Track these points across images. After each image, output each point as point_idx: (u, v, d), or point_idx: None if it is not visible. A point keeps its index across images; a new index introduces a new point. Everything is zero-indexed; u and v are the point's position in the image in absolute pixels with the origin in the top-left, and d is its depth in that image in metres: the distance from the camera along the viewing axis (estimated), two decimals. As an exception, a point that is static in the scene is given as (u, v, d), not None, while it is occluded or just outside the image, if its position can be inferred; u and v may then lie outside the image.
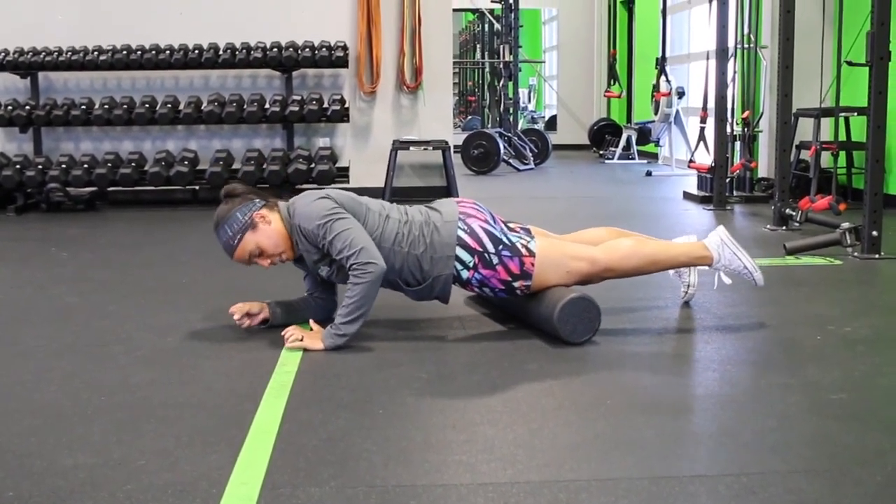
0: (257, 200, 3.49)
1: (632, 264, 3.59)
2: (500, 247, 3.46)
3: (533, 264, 3.47)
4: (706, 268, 3.75)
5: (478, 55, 18.63)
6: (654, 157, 12.53)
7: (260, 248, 3.43)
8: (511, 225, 3.60)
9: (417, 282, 3.51)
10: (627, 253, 3.58)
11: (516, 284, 3.48)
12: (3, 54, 7.87)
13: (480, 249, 3.45)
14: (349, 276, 3.34)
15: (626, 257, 3.57)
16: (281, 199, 3.58)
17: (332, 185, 7.26)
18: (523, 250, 3.48)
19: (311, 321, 3.55)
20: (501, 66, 12.60)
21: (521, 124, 14.14)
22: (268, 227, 3.45)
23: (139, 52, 7.89)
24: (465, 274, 3.47)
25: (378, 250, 3.36)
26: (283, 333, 3.39)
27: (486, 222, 3.52)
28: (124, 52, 7.88)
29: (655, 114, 11.20)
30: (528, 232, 3.59)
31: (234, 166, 7.83)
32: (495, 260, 3.45)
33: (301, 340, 3.33)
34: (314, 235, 3.38)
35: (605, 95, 14.54)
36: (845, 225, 5.24)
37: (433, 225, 3.49)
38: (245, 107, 7.85)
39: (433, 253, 3.45)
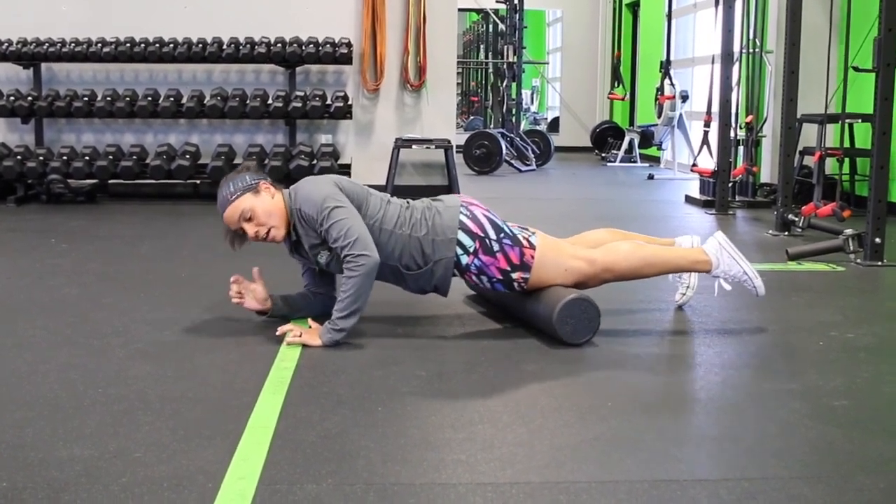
0: (267, 177, 3.53)
1: (629, 266, 3.58)
2: (502, 234, 3.47)
3: (533, 256, 3.46)
4: (705, 274, 3.73)
5: (481, 55, 18.63)
6: (657, 160, 12.51)
7: (252, 212, 3.39)
8: (510, 223, 3.59)
9: (418, 266, 3.48)
10: (625, 255, 3.58)
11: (514, 276, 3.47)
12: (6, 45, 7.85)
13: (482, 235, 3.45)
14: (343, 267, 3.33)
15: (623, 259, 3.57)
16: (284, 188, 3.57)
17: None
18: (524, 241, 3.48)
19: (309, 319, 3.54)
20: (505, 66, 12.58)
21: (524, 125, 14.12)
22: (269, 198, 3.44)
23: (143, 45, 7.87)
24: (464, 259, 3.46)
25: (374, 242, 3.36)
26: (279, 331, 3.37)
27: (488, 211, 3.55)
28: (128, 45, 7.86)
29: (659, 117, 11.18)
30: (527, 229, 3.58)
31: (235, 161, 7.81)
32: (496, 247, 3.45)
33: (300, 337, 3.32)
34: (313, 220, 3.37)
35: (608, 98, 14.55)
36: (848, 231, 5.22)
37: (435, 209, 3.51)
38: (248, 102, 7.84)
39: (435, 236, 3.45)
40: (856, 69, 5.85)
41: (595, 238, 3.78)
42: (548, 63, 18.52)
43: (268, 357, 3.17)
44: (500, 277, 3.48)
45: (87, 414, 2.64)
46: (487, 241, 3.45)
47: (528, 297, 3.56)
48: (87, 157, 7.64)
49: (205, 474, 2.21)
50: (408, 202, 3.58)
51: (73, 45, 7.89)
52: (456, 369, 3.14)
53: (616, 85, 13.97)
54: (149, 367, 3.10)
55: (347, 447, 2.39)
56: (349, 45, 8.01)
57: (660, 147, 12.02)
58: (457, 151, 8.72)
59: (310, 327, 3.42)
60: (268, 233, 3.43)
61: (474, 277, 3.52)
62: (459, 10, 9.93)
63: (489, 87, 16.85)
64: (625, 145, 12.57)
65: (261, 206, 3.41)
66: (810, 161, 7.37)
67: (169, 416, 2.62)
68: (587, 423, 2.63)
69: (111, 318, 3.78)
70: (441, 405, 2.77)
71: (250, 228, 3.42)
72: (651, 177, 10.67)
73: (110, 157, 7.68)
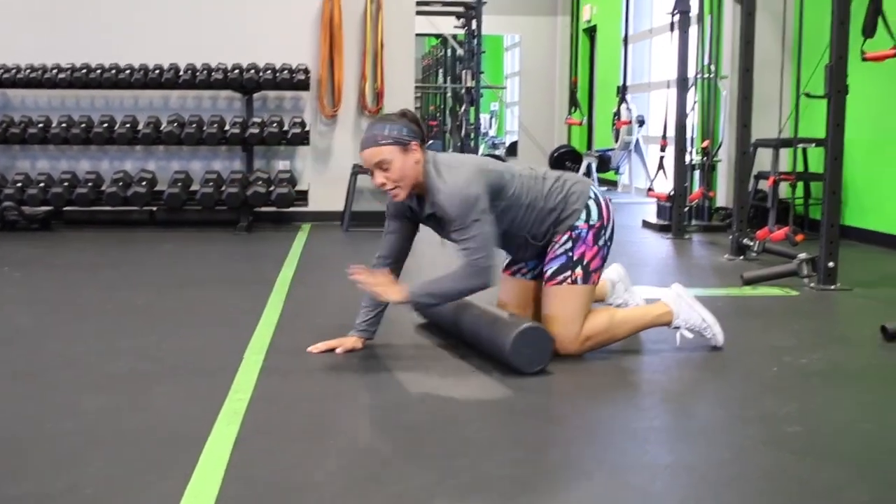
0: (421, 135, 3.49)
1: (608, 337, 3.66)
2: (609, 243, 3.65)
3: (595, 282, 3.62)
4: (666, 327, 3.78)
5: (440, 80, 18.67)
6: (614, 184, 12.59)
7: (389, 166, 3.39)
8: None
9: (543, 234, 3.62)
10: (601, 322, 3.64)
11: (577, 271, 3.56)
12: (-41, 71, 7.77)
13: (605, 224, 3.62)
14: (465, 260, 3.38)
15: (600, 326, 3.63)
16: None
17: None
18: (602, 270, 3.68)
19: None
20: (463, 91, 12.63)
21: (483, 150, 14.16)
22: (411, 161, 3.42)
23: (98, 71, 7.82)
24: (579, 223, 3.58)
25: (507, 220, 3.52)
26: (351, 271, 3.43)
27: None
28: (83, 71, 7.81)
29: (616, 141, 11.26)
30: None
31: (192, 188, 7.76)
32: (602, 242, 3.61)
33: (377, 285, 3.43)
34: (450, 218, 3.39)
35: (566, 122, 14.61)
36: (802, 256, 5.28)
37: (569, 180, 3.65)
38: (205, 128, 7.80)
39: (566, 205, 3.59)
40: (808, 95, 5.93)
41: None
42: (506, 88, 18.62)
43: (222, 388, 3.14)
44: (576, 259, 3.57)
45: (37, 448, 2.59)
46: (604, 231, 3.62)
47: (484, 326, 3.56)
48: (41, 184, 7.57)
49: (156, 510, 2.19)
50: (533, 171, 3.66)
51: (28, 71, 7.82)
52: (412, 401, 3.13)
53: (573, 110, 14.05)
54: (101, 399, 3.06)
55: (301, 480, 2.37)
56: (307, 71, 8.01)
57: (617, 171, 12.10)
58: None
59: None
60: (391, 189, 3.46)
61: (563, 237, 3.59)
62: (417, 35, 9.97)
63: (448, 112, 16.90)
64: (582, 169, 12.62)
65: (400, 164, 3.40)
66: (765, 185, 7.46)
67: (121, 450, 2.58)
68: (541, 453, 2.63)
69: (64, 348, 3.73)
70: (396, 437, 2.75)
71: (379, 177, 3.43)
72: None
73: (65, 183, 7.62)
